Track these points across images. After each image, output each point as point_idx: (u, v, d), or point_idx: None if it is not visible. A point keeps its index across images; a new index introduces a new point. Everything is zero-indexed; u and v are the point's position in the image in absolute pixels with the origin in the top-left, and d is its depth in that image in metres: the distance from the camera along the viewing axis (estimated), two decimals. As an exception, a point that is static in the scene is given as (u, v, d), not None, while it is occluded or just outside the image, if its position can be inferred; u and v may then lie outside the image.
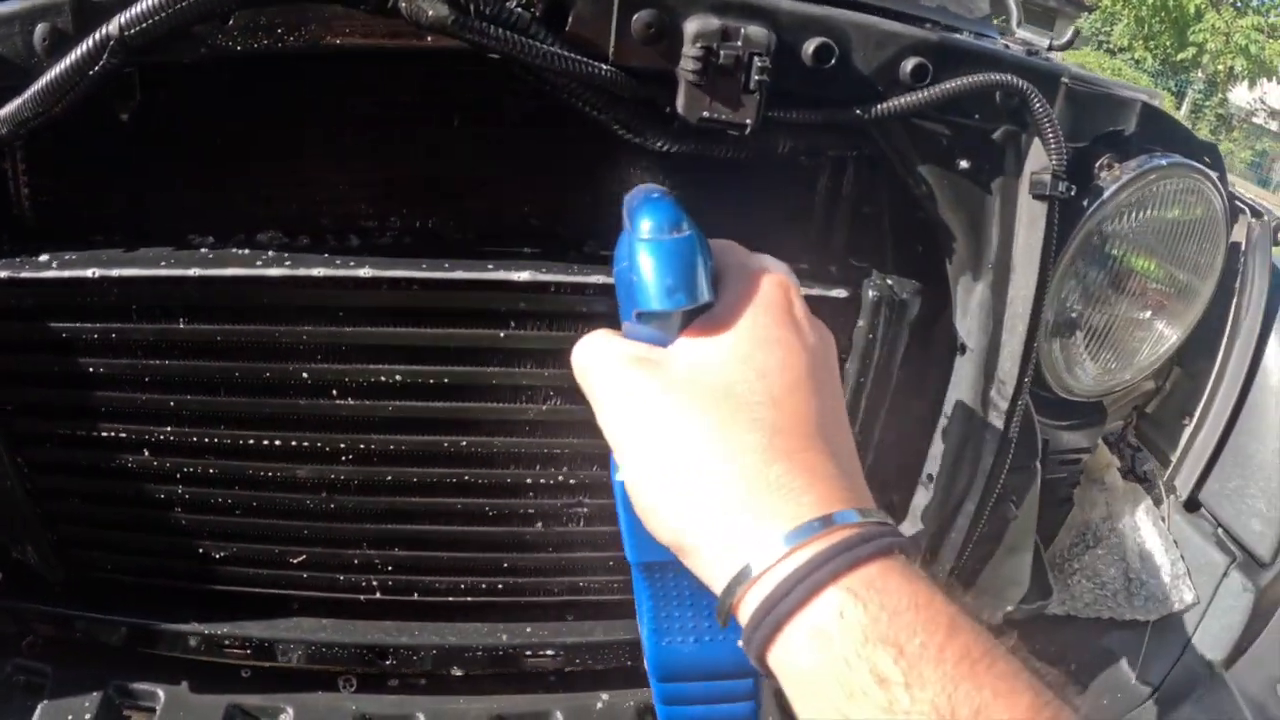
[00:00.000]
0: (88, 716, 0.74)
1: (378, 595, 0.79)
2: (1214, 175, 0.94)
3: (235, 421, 0.70)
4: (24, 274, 0.65)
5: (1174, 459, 1.09)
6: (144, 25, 0.53)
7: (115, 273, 0.65)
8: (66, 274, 0.65)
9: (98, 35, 0.54)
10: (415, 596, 0.79)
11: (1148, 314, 0.97)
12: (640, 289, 0.36)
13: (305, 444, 0.71)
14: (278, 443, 0.70)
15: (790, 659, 0.31)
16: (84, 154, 0.72)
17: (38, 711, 0.74)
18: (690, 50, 0.57)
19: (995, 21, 0.96)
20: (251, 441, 0.70)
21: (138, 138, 0.69)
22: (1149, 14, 9.76)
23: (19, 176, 0.73)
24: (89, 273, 0.65)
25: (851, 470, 0.35)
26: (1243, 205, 1.10)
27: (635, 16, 0.57)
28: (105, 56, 0.55)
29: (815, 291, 0.67)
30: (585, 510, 0.76)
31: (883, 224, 0.77)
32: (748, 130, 0.60)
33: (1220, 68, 9.98)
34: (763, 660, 0.32)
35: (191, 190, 0.74)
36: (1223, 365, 1.07)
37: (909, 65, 0.65)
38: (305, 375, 0.68)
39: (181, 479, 0.73)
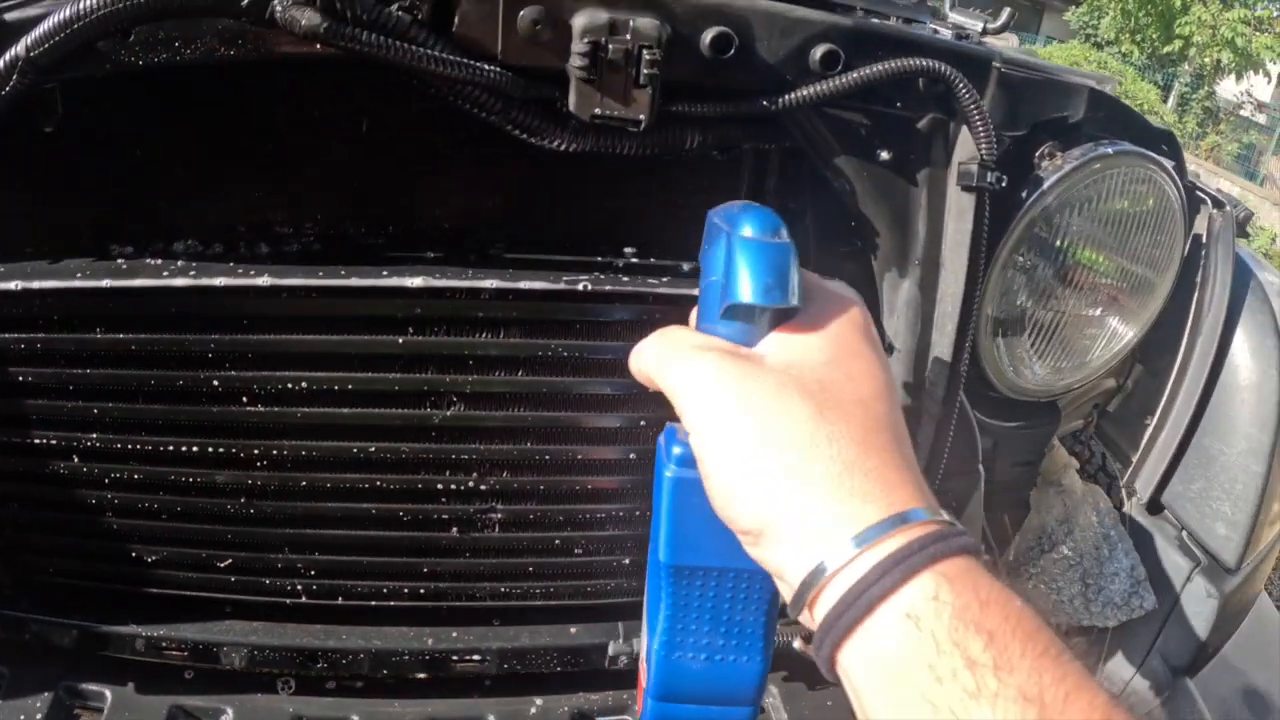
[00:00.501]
0: (39, 716, 0.75)
1: (303, 599, 0.79)
2: (1169, 164, 0.91)
3: (153, 428, 0.70)
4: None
5: (1135, 459, 1.06)
6: (49, 44, 0.54)
7: (36, 285, 0.65)
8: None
9: (7, 57, 0.55)
10: (339, 601, 0.79)
11: (1099, 310, 0.95)
12: (736, 284, 0.37)
13: (220, 450, 0.70)
14: (193, 449, 0.70)
15: (874, 646, 0.31)
16: (10, 166, 0.70)
17: None
18: (578, 46, 0.55)
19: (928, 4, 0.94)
20: (168, 448, 0.70)
21: (63, 149, 0.68)
22: (1135, 7, 9.79)
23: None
24: (12, 285, 0.65)
25: (922, 478, 0.37)
26: (1204, 195, 1.08)
27: (521, 14, 0.55)
28: (16, 77, 0.55)
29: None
30: (499, 516, 0.73)
31: (805, 221, 0.74)
32: (642, 126, 0.58)
33: (1207, 61, 10.01)
34: (834, 652, 0.32)
35: (115, 201, 0.73)
36: (1184, 362, 1.04)
37: (818, 52, 0.63)
38: (215, 383, 0.68)
39: (110, 485, 0.73)
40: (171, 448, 0.70)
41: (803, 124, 0.67)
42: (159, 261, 0.67)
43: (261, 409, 0.69)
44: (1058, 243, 0.87)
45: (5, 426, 0.70)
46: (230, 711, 0.79)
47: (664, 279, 0.67)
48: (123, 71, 0.58)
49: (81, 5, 0.53)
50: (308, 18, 0.52)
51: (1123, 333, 0.96)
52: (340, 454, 0.71)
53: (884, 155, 0.69)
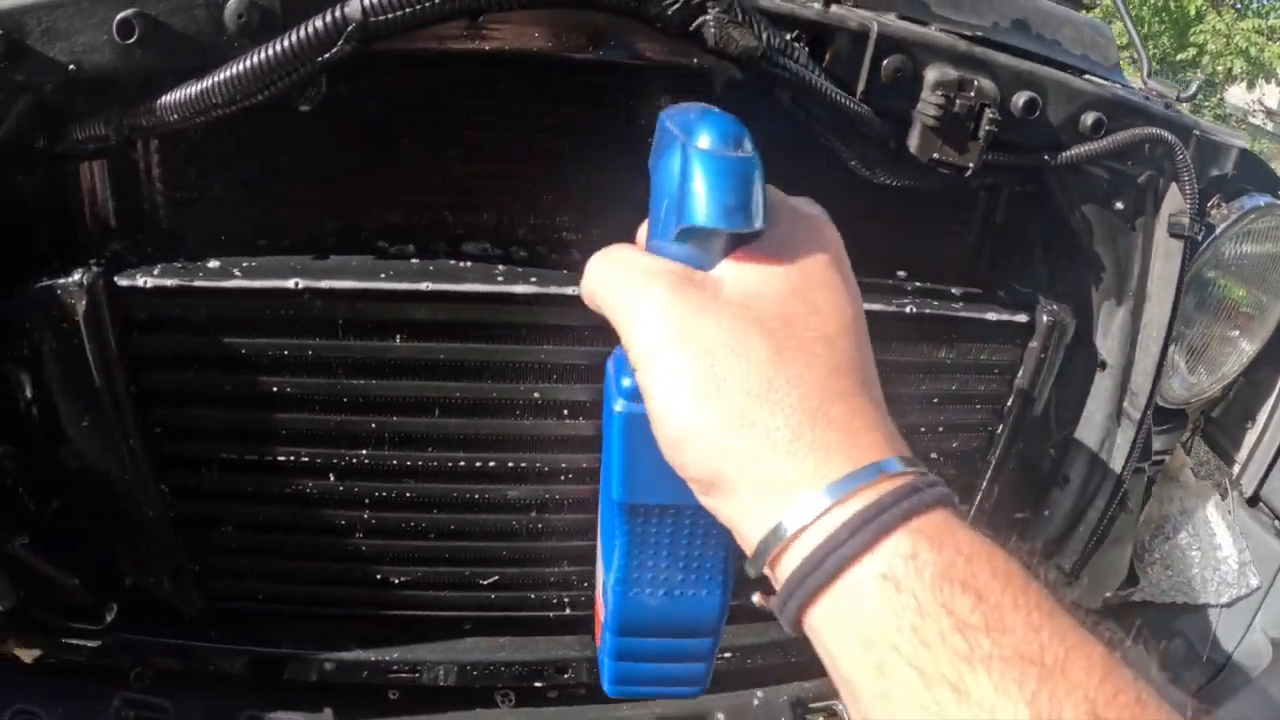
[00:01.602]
0: None
1: (567, 612, 0.81)
2: (1295, 211, 1.07)
3: (447, 443, 0.69)
4: (199, 283, 0.63)
5: (1238, 459, 1.23)
6: (394, 14, 0.50)
7: (324, 285, 0.63)
8: (260, 284, 0.64)
9: (332, 16, 0.51)
10: (567, 612, 0.81)
11: (1236, 333, 1.11)
12: (691, 203, 0.34)
13: (523, 465, 0.71)
14: (491, 464, 0.71)
15: (848, 609, 0.29)
16: (236, 149, 0.69)
17: None
18: (930, 96, 0.66)
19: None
20: (461, 463, 0.70)
21: (298, 133, 0.66)
22: (1150, 14, 9.96)
23: (152, 169, 0.71)
24: (290, 283, 0.63)
25: (892, 423, 0.34)
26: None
27: (887, 59, 0.64)
28: (341, 41, 0.51)
29: (998, 316, 0.78)
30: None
31: (1034, 253, 0.88)
32: (968, 172, 0.70)
33: (1220, 69, 10.26)
34: (800, 613, 0.31)
35: (364, 194, 0.73)
36: (1286, 377, 1.21)
37: (1089, 118, 0.76)
38: (536, 395, 0.68)
39: (370, 504, 0.72)
40: (463, 463, 0.70)
41: (1062, 175, 0.80)
42: (466, 265, 0.68)
43: (583, 422, 0.70)
44: (1215, 277, 1.03)
45: (234, 442, 0.68)
46: None
47: (958, 303, 0.78)
48: (442, 55, 0.57)
49: None
50: (745, 40, 0.55)
51: (1248, 350, 1.13)
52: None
53: (1118, 205, 0.83)
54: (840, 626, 0.30)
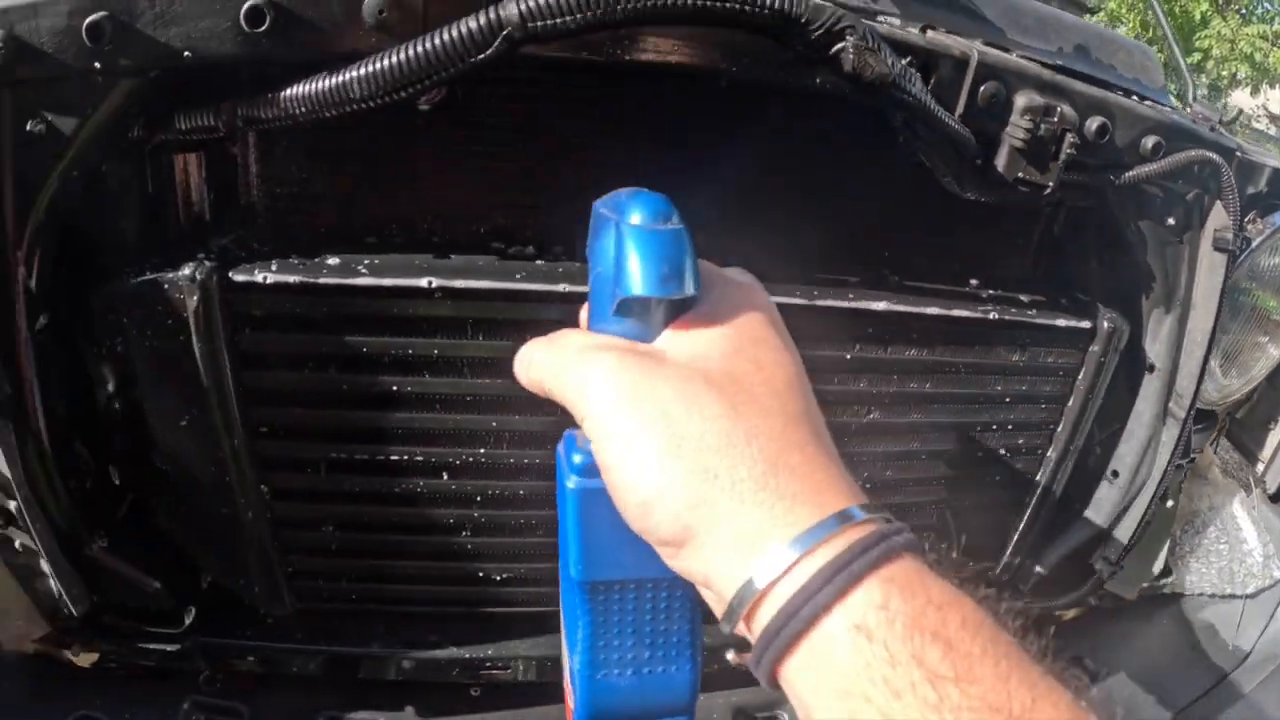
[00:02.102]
0: None
1: None
2: (1319, 226, 1.15)
3: (550, 440, 0.73)
4: (324, 280, 0.64)
5: (1262, 458, 1.31)
6: (553, 20, 0.50)
7: (459, 284, 0.64)
8: (390, 282, 0.64)
9: (488, 18, 0.51)
10: None
11: (1266, 339, 1.19)
12: (627, 277, 0.36)
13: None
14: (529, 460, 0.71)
15: (822, 660, 0.30)
16: (343, 145, 0.70)
17: None
18: (1019, 120, 0.73)
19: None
20: (548, 461, 0.75)
21: (410, 132, 0.67)
22: (1154, 19, 10.04)
23: (250, 164, 0.72)
24: (423, 282, 0.64)
25: (848, 473, 0.35)
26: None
27: (983, 85, 0.71)
28: (497, 44, 0.51)
29: (1066, 322, 0.85)
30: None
31: (1090, 264, 0.95)
32: (1047, 191, 0.77)
33: (1224, 74, 10.40)
34: (776, 667, 0.31)
35: (474, 195, 0.74)
36: (1307, 382, 1.29)
37: (1150, 141, 0.83)
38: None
39: (453, 500, 0.73)
40: (536, 461, 0.71)
41: (1122, 193, 0.87)
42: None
43: None
44: (1250, 287, 1.11)
45: (341, 442, 0.69)
46: None
47: (1031, 310, 0.85)
48: (576, 64, 0.58)
49: None
50: (879, 66, 0.60)
51: (1274, 355, 1.21)
52: None
53: (1170, 221, 0.91)
54: (814, 678, 0.30)
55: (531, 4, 0.50)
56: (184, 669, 0.80)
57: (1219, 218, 0.93)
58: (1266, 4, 10.32)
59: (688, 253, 0.36)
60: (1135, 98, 0.85)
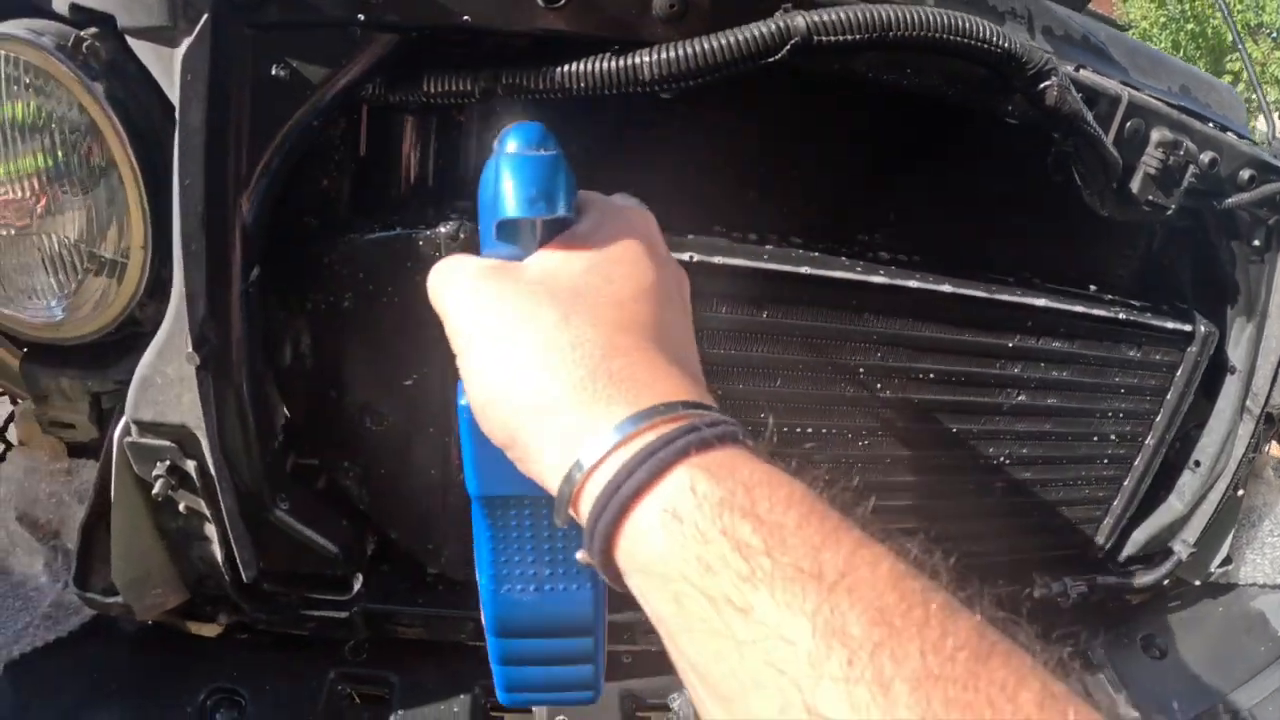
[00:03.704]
0: None
1: None
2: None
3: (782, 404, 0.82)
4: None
5: (1311, 462, 1.48)
6: (835, 37, 0.58)
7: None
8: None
9: (778, 25, 0.58)
10: None
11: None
12: (500, 199, 0.39)
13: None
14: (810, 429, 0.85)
15: (641, 545, 0.31)
16: (572, 124, 0.69)
17: None
18: (1154, 152, 0.90)
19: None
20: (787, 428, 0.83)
21: (638, 121, 0.74)
22: (1186, 40, 10.19)
23: (473, 134, 0.73)
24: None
25: (695, 376, 0.38)
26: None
27: (1130, 121, 0.87)
28: (786, 49, 0.58)
29: (1174, 325, 1.01)
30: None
31: (1183, 275, 1.11)
32: (1168, 212, 0.92)
33: (1254, 98, 10.69)
34: (609, 559, 0.33)
35: (696, 183, 0.80)
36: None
37: (1246, 174, 1.00)
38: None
39: None
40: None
41: (1219, 216, 1.03)
42: (814, 254, 0.80)
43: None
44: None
45: None
46: (677, 694, 0.81)
47: (1148, 314, 1.02)
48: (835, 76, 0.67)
49: (917, 15, 0.59)
50: (1074, 103, 0.74)
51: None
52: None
53: (1255, 242, 1.07)
54: (639, 564, 0.32)
55: (817, 18, 0.60)
56: (338, 637, 0.80)
57: (1292, 239, 1.10)
58: (1298, 29, 10.61)
59: (561, 177, 0.40)
60: (1232, 134, 1.01)
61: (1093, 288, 1.03)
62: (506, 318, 0.37)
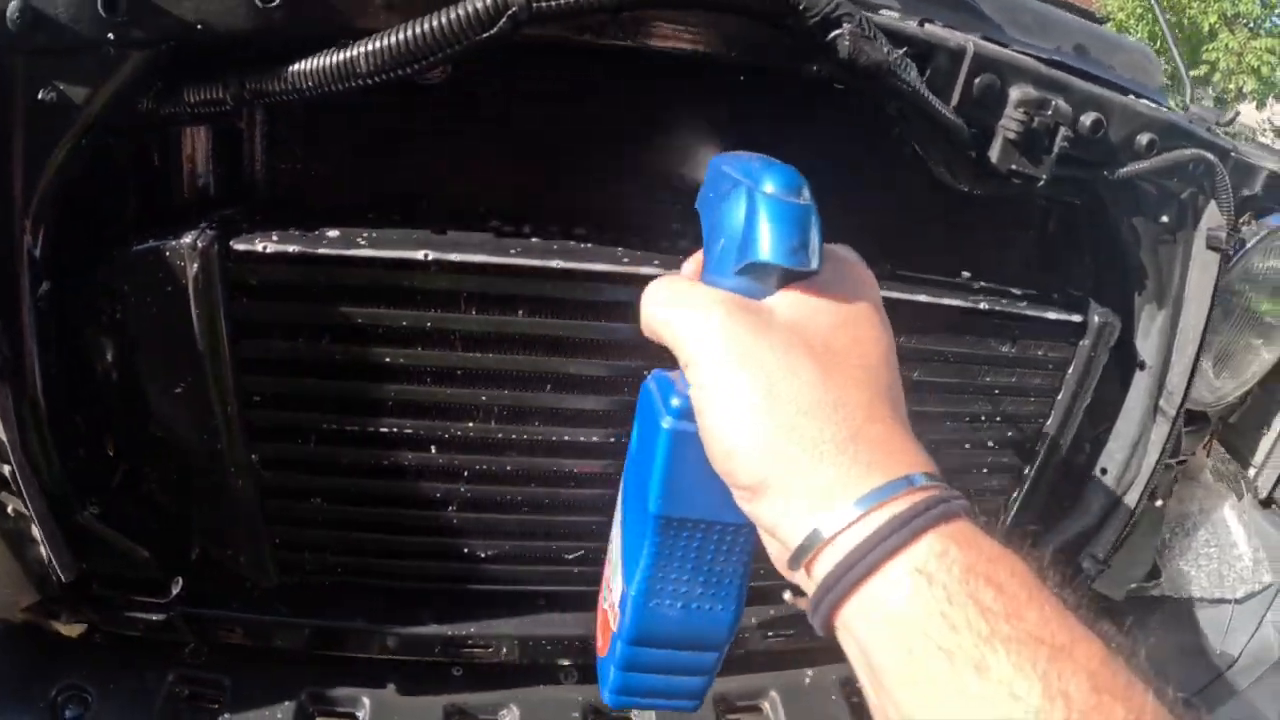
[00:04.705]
0: None
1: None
2: (1315, 229, 1.16)
3: (555, 419, 0.72)
4: (323, 250, 0.64)
5: (1254, 463, 1.32)
6: (556, 1, 0.53)
7: (454, 257, 0.65)
8: (388, 254, 0.65)
9: None
10: None
11: (1259, 341, 1.20)
12: (755, 240, 0.38)
13: (598, 439, 0.74)
14: (566, 437, 0.73)
15: (882, 601, 0.33)
16: (349, 119, 0.70)
17: None
18: (1014, 113, 0.74)
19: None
20: (566, 437, 0.73)
21: (414, 112, 0.69)
22: (1161, 31, 10.09)
23: (256, 138, 0.73)
24: (419, 254, 0.65)
25: (920, 445, 0.39)
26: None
27: (979, 77, 0.72)
28: (503, 21, 0.53)
29: (1057, 315, 0.86)
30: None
31: (1084, 259, 0.96)
32: (1040, 183, 0.78)
33: (1230, 87, 10.45)
34: (834, 609, 0.35)
35: (476, 174, 0.76)
36: (1301, 387, 1.30)
37: (1144, 139, 0.84)
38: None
39: (469, 478, 0.74)
40: (567, 437, 0.73)
41: (1115, 189, 0.88)
42: (587, 246, 0.70)
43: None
44: (1244, 289, 1.12)
45: (333, 413, 0.70)
46: (514, 708, 0.78)
47: (1023, 303, 0.86)
48: (566, 45, 0.59)
49: None
50: (875, 54, 0.61)
51: (1268, 358, 1.22)
52: None
53: (1163, 219, 0.92)
54: (874, 618, 0.34)
55: None
56: (168, 640, 0.80)
57: (1212, 217, 0.95)
58: (1275, 18, 10.39)
59: (815, 228, 0.39)
60: (1131, 95, 0.86)
61: (965, 274, 0.89)
62: (767, 366, 0.37)
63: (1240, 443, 1.36)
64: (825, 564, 0.35)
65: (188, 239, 0.63)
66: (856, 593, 0.34)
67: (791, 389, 0.36)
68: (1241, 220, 1.08)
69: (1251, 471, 1.31)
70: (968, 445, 0.90)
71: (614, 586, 0.46)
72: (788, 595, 0.82)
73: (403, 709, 0.76)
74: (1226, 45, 10.22)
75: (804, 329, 0.39)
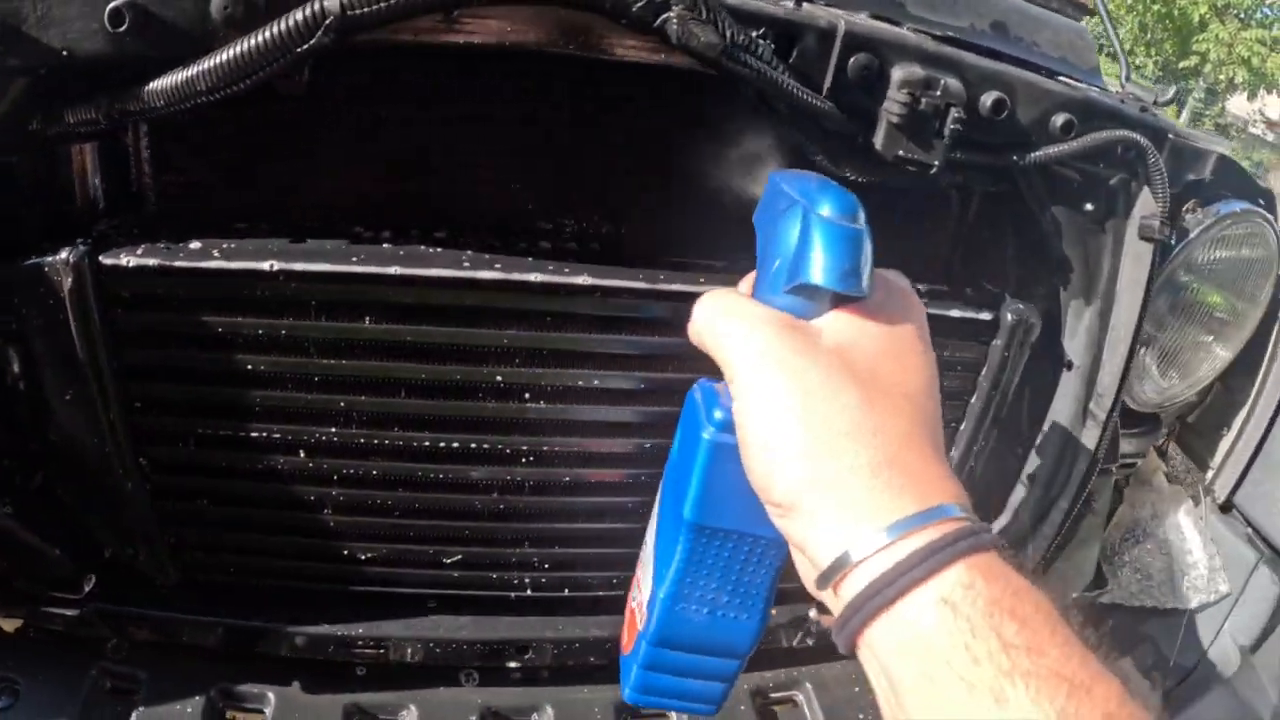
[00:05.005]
0: None
1: (529, 593, 0.83)
2: (1271, 218, 1.08)
3: (410, 423, 0.72)
4: (180, 263, 0.65)
5: (1213, 465, 1.25)
6: (370, 8, 0.53)
7: (298, 267, 0.65)
8: (237, 265, 0.66)
9: (312, 10, 0.53)
10: (565, 592, 0.84)
11: (1210, 338, 1.12)
12: (808, 263, 0.38)
13: (485, 446, 0.73)
14: (454, 445, 0.73)
15: (907, 627, 0.34)
16: (223, 134, 0.72)
17: (133, 718, 0.75)
18: (896, 95, 0.67)
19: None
20: (425, 444, 0.72)
21: (286, 122, 0.70)
22: (1153, 20, 10.02)
23: (141, 153, 0.75)
24: (265, 265, 0.65)
25: (955, 477, 0.40)
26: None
27: (854, 58, 0.66)
28: (320, 34, 0.54)
29: (969, 314, 0.79)
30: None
31: (1005, 253, 0.89)
32: (933, 170, 0.71)
33: (1221, 78, 10.32)
34: (859, 630, 0.35)
35: (344, 180, 0.75)
36: (1263, 383, 1.23)
37: (1059, 120, 0.77)
38: (499, 379, 0.71)
39: (338, 481, 0.74)
40: (427, 444, 0.72)
41: (1030, 176, 0.81)
42: (434, 250, 0.68)
43: (544, 406, 0.72)
44: (1190, 282, 1.04)
45: (208, 418, 0.71)
46: (414, 708, 0.79)
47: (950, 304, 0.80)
48: (416, 47, 0.59)
49: None
50: (707, 36, 0.57)
51: (1223, 356, 1.14)
52: (617, 449, 0.76)
53: (1088, 207, 0.85)
54: (897, 643, 0.34)
55: None
56: (88, 636, 0.82)
57: (1146, 205, 0.87)
58: (1265, 9, 10.25)
59: (869, 253, 0.39)
60: (1056, 77, 0.79)
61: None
62: (810, 386, 0.37)
63: (1199, 444, 1.29)
64: (853, 586, 0.35)
65: (63, 254, 0.65)
66: (881, 617, 0.34)
67: (832, 410, 0.36)
68: (1184, 208, 1.01)
69: (1210, 475, 1.24)
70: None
71: (644, 586, 0.47)
72: (813, 612, 0.85)
73: (306, 707, 0.78)
74: (1217, 36, 10.09)
75: (850, 352, 0.39)
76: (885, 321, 0.40)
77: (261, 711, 0.78)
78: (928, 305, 0.78)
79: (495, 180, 0.77)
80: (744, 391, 0.38)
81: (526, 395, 0.73)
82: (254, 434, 0.72)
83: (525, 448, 0.75)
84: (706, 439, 0.41)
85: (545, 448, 0.75)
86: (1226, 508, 1.22)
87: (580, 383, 0.72)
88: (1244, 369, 1.24)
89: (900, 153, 0.70)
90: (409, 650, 0.82)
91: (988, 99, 0.72)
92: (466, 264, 0.67)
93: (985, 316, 0.80)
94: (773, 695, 0.92)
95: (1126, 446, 1.13)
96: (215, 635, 0.81)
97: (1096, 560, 1.04)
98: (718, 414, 0.41)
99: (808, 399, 0.37)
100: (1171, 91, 0.98)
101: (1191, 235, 0.99)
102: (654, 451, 0.77)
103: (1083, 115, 0.78)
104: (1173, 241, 0.87)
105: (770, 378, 0.38)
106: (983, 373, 0.82)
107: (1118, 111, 0.82)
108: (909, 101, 0.68)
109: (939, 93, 0.68)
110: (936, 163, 0.71)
